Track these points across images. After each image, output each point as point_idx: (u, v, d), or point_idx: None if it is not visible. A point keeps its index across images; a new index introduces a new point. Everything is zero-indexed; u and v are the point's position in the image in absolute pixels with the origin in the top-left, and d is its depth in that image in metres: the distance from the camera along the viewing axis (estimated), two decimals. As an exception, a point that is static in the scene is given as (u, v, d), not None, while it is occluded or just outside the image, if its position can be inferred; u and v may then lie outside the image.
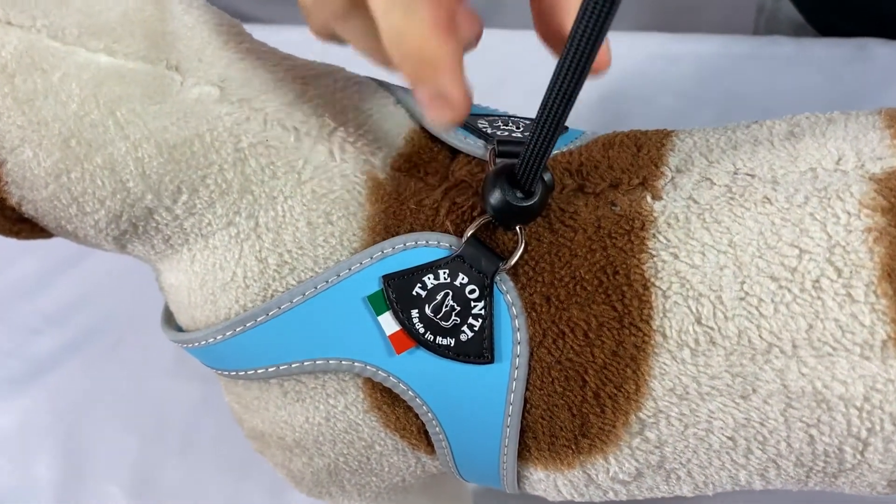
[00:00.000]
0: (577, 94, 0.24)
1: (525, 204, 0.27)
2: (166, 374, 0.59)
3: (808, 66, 0.63)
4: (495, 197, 0.27)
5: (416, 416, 0.31)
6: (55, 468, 0.56)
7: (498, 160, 0.29)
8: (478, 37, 0.27)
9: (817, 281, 0.26)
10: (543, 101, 0.24)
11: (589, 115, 0.64)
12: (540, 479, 0.32)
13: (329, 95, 0.31)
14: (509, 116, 0.33)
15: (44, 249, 0.66)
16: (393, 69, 0.26)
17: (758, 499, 0.45)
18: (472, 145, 0.30)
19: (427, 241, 0.29)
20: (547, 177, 0.27)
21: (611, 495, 0.32)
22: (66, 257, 0.66)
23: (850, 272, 0.25)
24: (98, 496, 0.54)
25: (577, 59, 0.23)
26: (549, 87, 0.24)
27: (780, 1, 0.67)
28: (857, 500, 0.43)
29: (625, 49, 0.66)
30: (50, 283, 0.65)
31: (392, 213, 0.29)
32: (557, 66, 0.23)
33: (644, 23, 0.84)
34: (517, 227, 0.28)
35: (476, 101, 0.34)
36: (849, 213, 0.26)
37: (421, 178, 0.30)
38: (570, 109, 0.24)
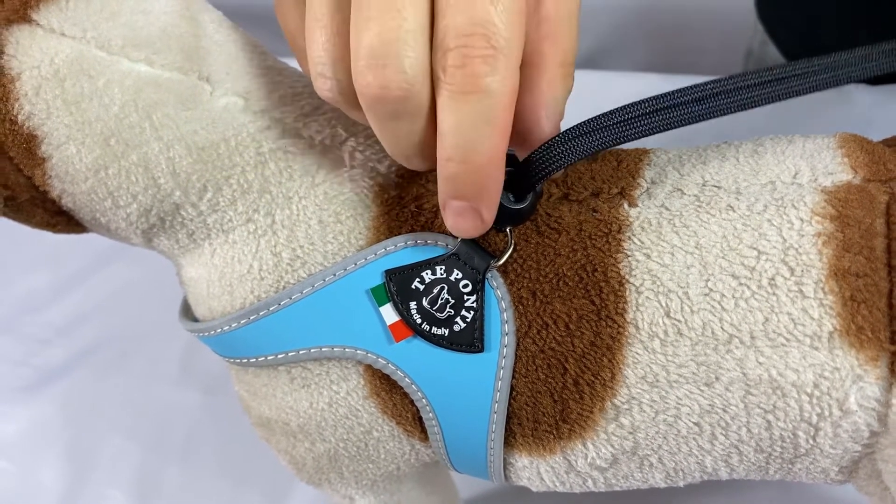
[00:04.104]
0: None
1: (516, 207, 0.30)
2: (169, 385, 0.61)
3: (791, 108, 0.66)
4: None
5: (412, 403, 0.33)
6: (60, 473, 0.58)
7: None
8: None
9: (773, 279, 0.29)
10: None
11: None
12: (524, 465, 0.34)
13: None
14: None
15: (55, 264, 0.69)
16: (416, 168, 0.29)
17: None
18: None
19: (426, 241, 0.32)
20: (538, 186, 0.30)
21: (590, 483, 0.34)
22: (77, 271, 0.69)
23: (802, 271, 0.28)
24: (101, 501, 0.56)
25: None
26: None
27: (766, 46, 0.71)
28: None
29: (621, 88, 0.70)
30: (60, 297, 0.68)
31: (395, 215, 0.32)
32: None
33: (642, 64, 0.88)
34: (507, 229, 0.31)
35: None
36: (802, 220, 0.29)
37: (422, 185, 0.33)
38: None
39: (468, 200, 0.27)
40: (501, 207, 0.30)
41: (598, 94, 0.70)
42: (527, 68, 0.28)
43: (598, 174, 0.32)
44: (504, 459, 0.34)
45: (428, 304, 0.31)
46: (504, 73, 0.25)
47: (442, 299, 0.31)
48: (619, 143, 0.29)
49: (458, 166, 0.26)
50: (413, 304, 0.31)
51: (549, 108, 0.28)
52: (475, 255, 0.31)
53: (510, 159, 0.31)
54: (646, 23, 0.92)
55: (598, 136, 0.28)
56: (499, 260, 0.31)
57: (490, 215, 0.28)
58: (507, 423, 0.33)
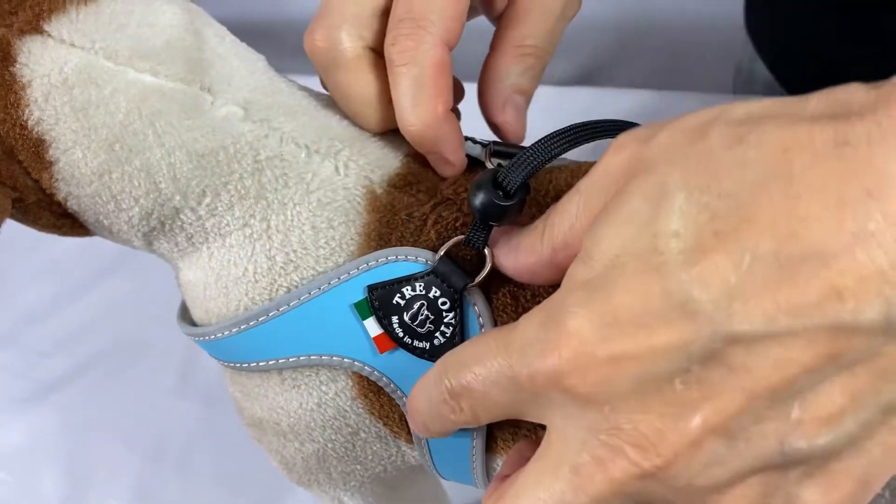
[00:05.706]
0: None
1: (503, 204, 0.30)
2: (168, 397, 0.62)
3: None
4: (479, 197, 0.30)
5: (399, 405, 0.34)
6: (59, 484, 0.59)
7: (493, 159, 0.34)
8: (461, 99, 0.37)
9: None
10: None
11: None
12: None
13: (337, 121, 0.35)
14: None
15: (55, 277, 0.71)
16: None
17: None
18: (470, 147, 0.34)
19: (406, 256, 0.32)
20: (522, 182, 0.30)
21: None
22: (76, 284, 0.70)
23: None
24: (99, 511, 0.57)
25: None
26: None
27: (755, 63, 0.72)
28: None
29: (614, 105, 0.72)
30: (60, 309, 0.69)
31: (385, 222, 0.34)
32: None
33: (637, 82, 0.90)
34: (485, 249, 0.31)
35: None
36: None
37: (413, 195, 0.34)
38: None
39: (434, 152, 0.33)
40: (490, 204, 0.30)
41: (593, 110, 0.72)
42: (489, 53, 0.34)
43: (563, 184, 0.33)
44: (486, 465, 0.35)
45: (409, 318, 0.32)
46: (428, 45, 0.31)
47: (422, 315, 0.32)
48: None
49: (408, 127, 0.32)
50: (395, 319, 0.32)
51: (499, 82, 0.34)
52: (453, 274, 0.32)
53: (501, 155, 0.34)
54: (641, 41, 0.94)
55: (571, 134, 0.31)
56: (475, 279, 0.32)
57: (456, 158, 0.33)
58: (490, 428, 0.34)
